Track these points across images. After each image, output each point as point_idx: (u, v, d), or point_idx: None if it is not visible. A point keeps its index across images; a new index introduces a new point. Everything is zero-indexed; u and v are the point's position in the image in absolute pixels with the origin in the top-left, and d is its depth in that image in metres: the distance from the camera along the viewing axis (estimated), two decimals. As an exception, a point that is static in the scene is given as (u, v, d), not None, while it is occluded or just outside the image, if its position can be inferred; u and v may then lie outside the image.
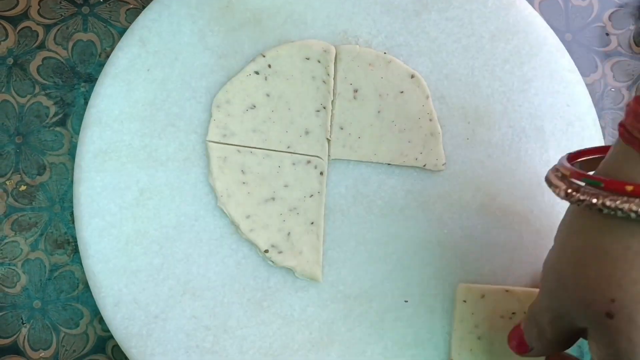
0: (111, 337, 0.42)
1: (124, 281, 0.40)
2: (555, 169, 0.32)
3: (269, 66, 0.41)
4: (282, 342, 0.40)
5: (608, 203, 0.28)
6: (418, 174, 0.42)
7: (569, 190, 0.30)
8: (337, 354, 0.40)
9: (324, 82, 0.41)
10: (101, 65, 0.43)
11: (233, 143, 0.40)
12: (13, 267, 0.42)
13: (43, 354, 0.41)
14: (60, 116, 0.43)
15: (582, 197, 0.29)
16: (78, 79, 0.43)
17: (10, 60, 0.43)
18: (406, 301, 0.41)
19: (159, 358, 0.39)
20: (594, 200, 0.28)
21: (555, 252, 0.32)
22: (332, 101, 0.41)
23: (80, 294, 0.42)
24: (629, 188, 0.28)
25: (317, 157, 0.41)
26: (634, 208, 0.27)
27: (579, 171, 0.30)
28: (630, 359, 0.28)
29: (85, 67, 0.43)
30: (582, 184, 0.30)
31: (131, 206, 0.40)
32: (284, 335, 0.40)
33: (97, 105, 0.40)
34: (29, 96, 0.43)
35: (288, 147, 0.40)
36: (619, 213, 0.28)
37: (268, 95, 0.41)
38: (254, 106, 0.40)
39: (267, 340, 0.40)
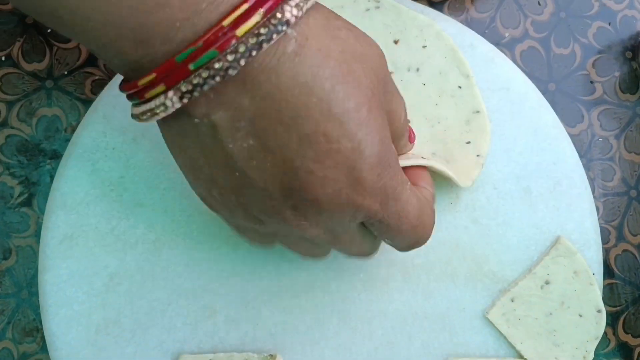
0: None
1: (95, 373, 0.38)
2: None
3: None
4: None
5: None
6: (401, 244, 0.40)
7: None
8: None
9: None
10: (67, 140, 0.41)
11: (205, 221, 0.38)
12: (-21, 359, 0.40)
13: None
14: (25, 196, 0.41)
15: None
16: (43, 157, 0.42)
17: (-29, 140, 0.42)
18: (394, 379, 0.39)
19: None
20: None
21: None
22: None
23: (52, 383, 0.40)
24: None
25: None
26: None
27: None
28: None
29: (50, 144, 0.42)
30: None
31: (101, 293, 0.38)
32: (266, 423, 0.38)
33: (61, 188, 0.39)
34: (-8, 177, 0.41)
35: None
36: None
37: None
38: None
39: None
